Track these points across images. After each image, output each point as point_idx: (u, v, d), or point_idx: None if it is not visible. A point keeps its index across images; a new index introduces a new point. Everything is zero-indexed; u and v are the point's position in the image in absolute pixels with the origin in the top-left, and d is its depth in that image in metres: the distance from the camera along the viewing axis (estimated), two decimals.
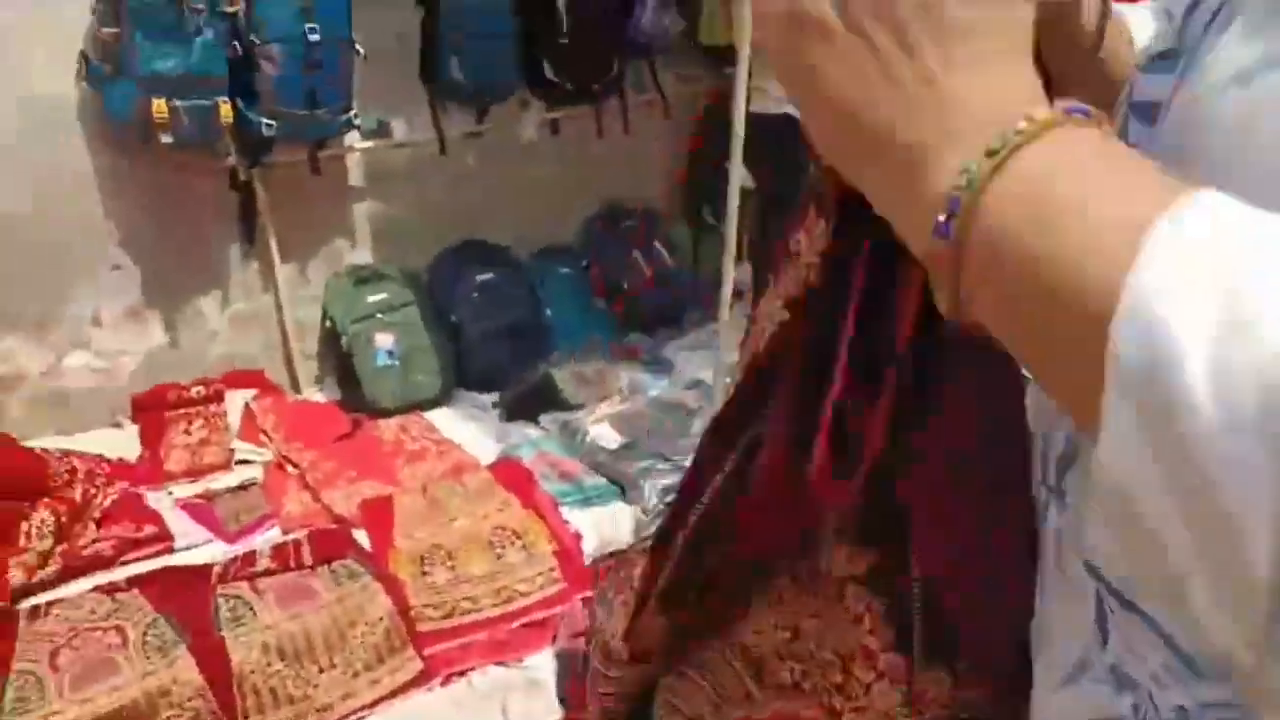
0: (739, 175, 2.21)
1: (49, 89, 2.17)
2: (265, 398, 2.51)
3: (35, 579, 1.77)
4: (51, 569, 1.80)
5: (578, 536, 1.98)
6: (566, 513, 2.04)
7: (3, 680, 1.50)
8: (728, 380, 2.61)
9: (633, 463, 2.17)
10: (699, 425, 2.30)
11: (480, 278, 2.81)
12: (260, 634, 1.63)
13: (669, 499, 2.10)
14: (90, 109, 2.22)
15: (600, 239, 3.19)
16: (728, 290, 2.28)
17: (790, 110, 2.77)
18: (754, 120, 2.01)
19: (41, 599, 1.74)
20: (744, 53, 1.85)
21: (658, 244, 3.19)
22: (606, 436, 2.27)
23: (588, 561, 1.97)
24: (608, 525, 2.06)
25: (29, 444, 2.16)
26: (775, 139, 2.73)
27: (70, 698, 1.46)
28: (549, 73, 2.72)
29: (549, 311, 2.97)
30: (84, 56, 2.16)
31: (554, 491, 2.10)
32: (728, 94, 3.31)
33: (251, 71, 2.19)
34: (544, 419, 2.50)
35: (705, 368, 2.74)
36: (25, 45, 2.13)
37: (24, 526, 1.84)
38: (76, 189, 2.28)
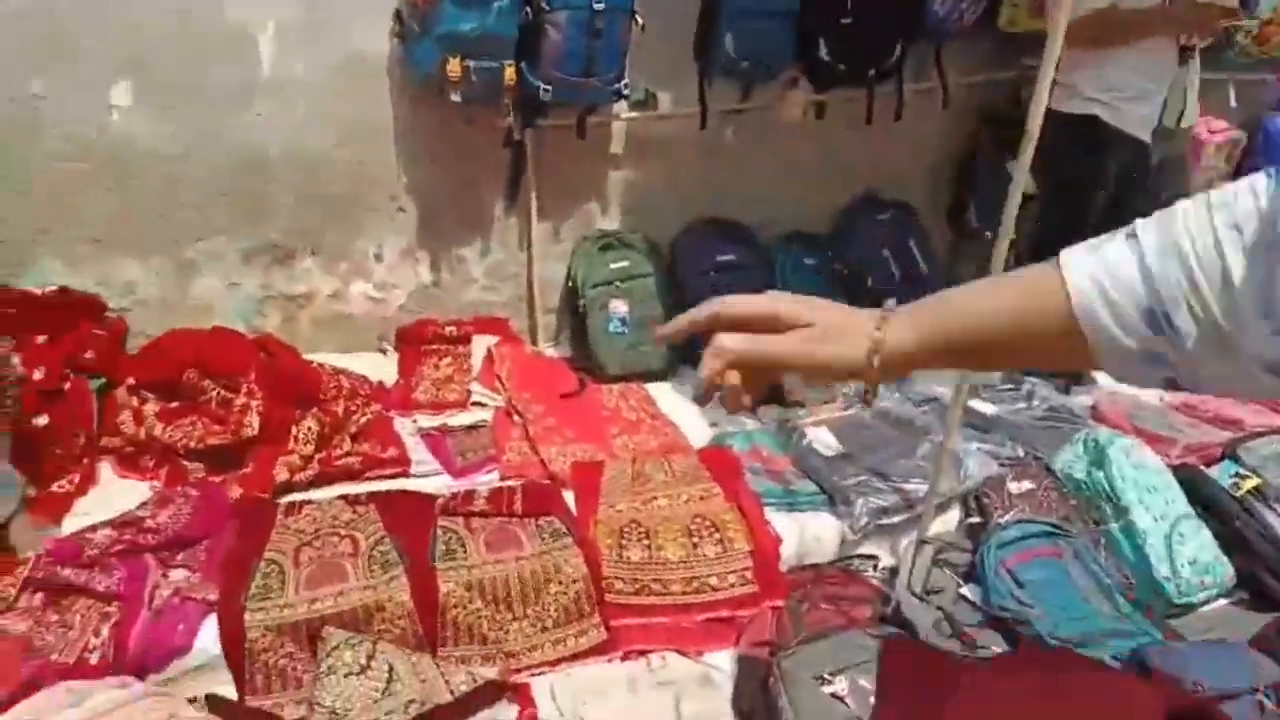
0: (1022, 179, 1.97)
1: (364, 45, 2.41)
2: (505, 346, 2.66)
3: (296, 479, 2.00)
4: (310, 472, 2.03)
5: (777, 541, 1.90)
6: (770, 514, 1.97)
7: (256, 562, 1.71)
8: (969, 403, 2.38)
9: (847, 475, 2.04)
10: (926, 449, 2.12)
11: (721, 257, 2.77)
12: (467, 572, 1.73)
13: (880, 522, 1.97)
14: (395, 65, 2.44)
15: (851, 231, 3.03)
16: None
17: (1098, 112, 2.43)
18: (1052, 119, 1.76)
19: (297, 498, 1.97)
20: (1055, 42, 1.61)
21: (912, 244, 2.97)
22: (824, 442, 2.16)
23: (784, 568, 1.89)
24: (810, 535, 1.97)
25: (310, 357, 2.46)
26: (1072, 142, 2.42)
27: (303, 594, 1.64)
28: (824, 53, 2.59)
29: None
30: (398, 16, 2.36)
31: (760, 489, 2.03)
32: (1019, 86, 3.00)
33: (537, 37, 2.28)
34: (762, 411, 2.43)
35: (942, 384, 2.52)
36: (349, 5, 2.36)
37: (294, 431, 2.10)
38: (376, 136, 2.52)
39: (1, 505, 1.72)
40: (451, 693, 1.53)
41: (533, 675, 1.70)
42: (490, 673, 1.65)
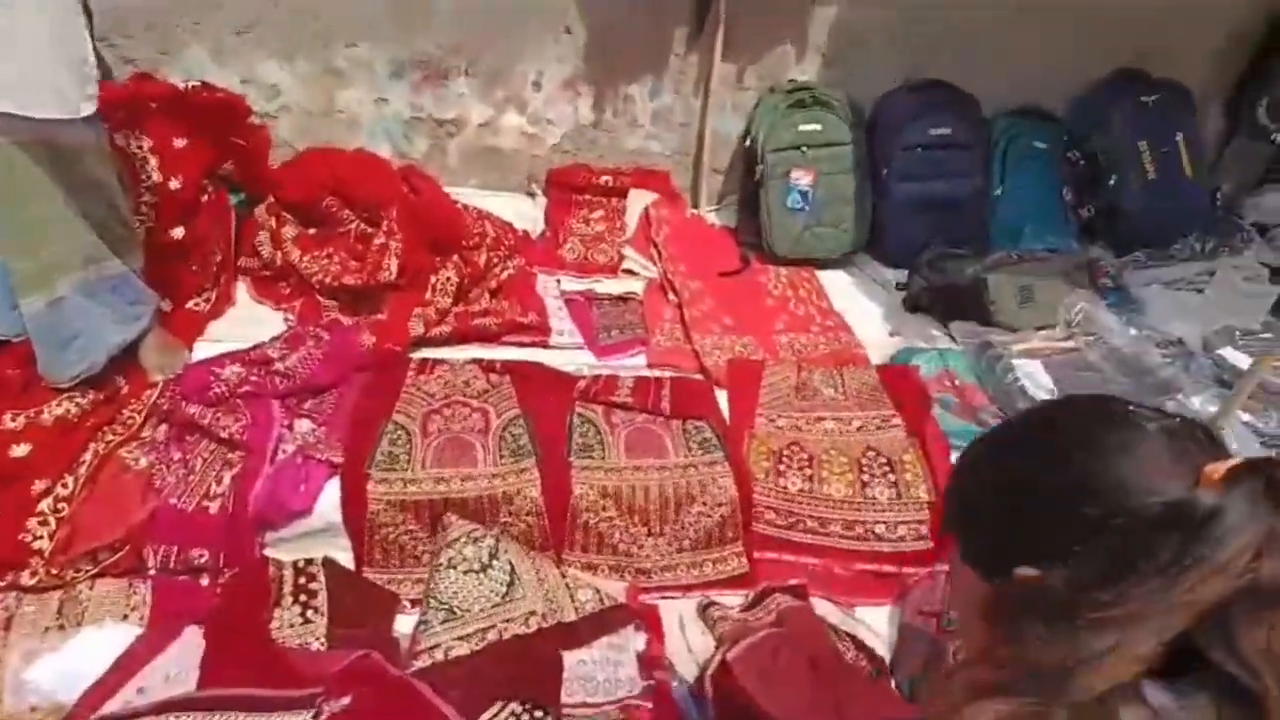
0: None
1: None
2: (664, 207, 2.36)
3: (430, 334, 1.84)
4: (445, 328, 1.86)
5: None
6: (957, 458, 1.66)
7: (384, 424, 1.58)
8: (1228, 351, 1.93)
9: None
10: (1168, 407, 1.72)
11: (933, 130, 2.31)
12: (603, 475, 1.54)
13: None
14: None
15: (1100, 112, 2.46)
16: None
17: None
18: None
19: (429, 355, 1.81)
20: None
21: (1179, 138, 2.38)
22: (1036, 378, 1.79)
23: None
24: None
25: (453, 191, 2.24)
26: None
27: (430, 472, 1.50)
28: None
29: (1000, 190, 2.41)
30: None
31: (949, 428, 1.72)
32: None
33: None
34: (958, 326, 2.06)
35: (1190, 323, 2.06)
36: None
37: (433, 280, 1.91)
38: None
39: (135, 321, 1.62)
40: (576, 610, 1.38)
41: (662, 598, 1.52)
42: (618, 590, 1.49)
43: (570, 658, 1.34)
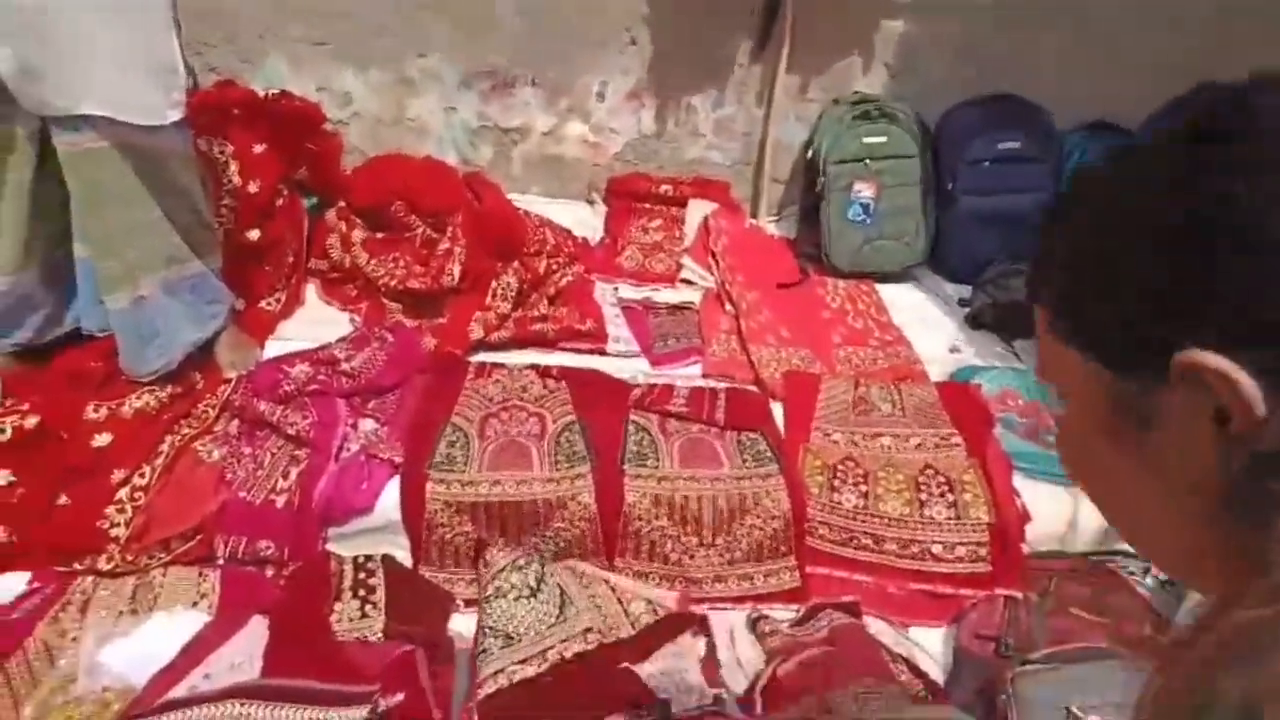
0: None
1: None
2: (722, 218, 2.36)
3: (490, 338, 1.87)
4: (504, 333, 1.89)
5: (1025, 517, 1.57)
6: (1019, 481, 1.63)
7: (443, 426, 1.61)
8: None
9: None
10: None
11: (1001, 144, 2.26)
12: (656, 484, 1.55)
13: None
14: None
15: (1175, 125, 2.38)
16: None
17: None
18: None
19: (487, 359, 1.84)
20: None
21: None
22: None
23: (1027, 551, 1.57)
24: (1064, 515, 1.61)
25: (515, 198, 2.28)
26: None
27: (485, 474, 1.52)
28: None
29: None
30: None
31: (1011, 449, 1.68)
32: None
33: None
34: (1022, 345, 2.01)
35: None
36: None
37: (493, 285, 1.95)
38: None
39: (212, 320, 1.69)
40: (633, 625, 1.39)
41: (712, 609, 1.52)
42: (669, 600, 1.49)
43: (640, 672, 1.33)
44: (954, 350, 2.06)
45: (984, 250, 2.25)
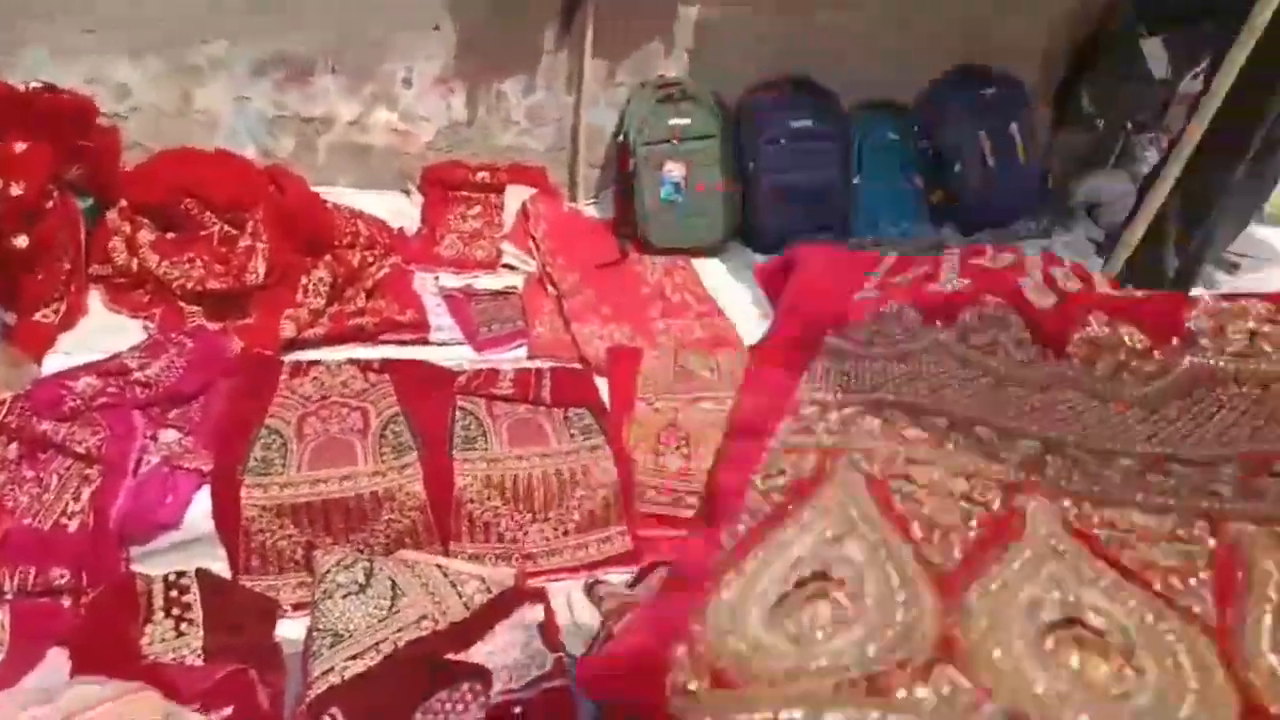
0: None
1: None
2: (541, 202, 2.38)
3: (303, 336, 1.80)
4: (319, 330, 1.83)
5: None
6: None
7: (256, 429, 1.54)
8: None
9: None
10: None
11: (795, 123, 2.42)
12: (486, 466, 1.56)
13: None
14: None
15: (943, 104, 2.64)
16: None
17: None
18: None
19: (304, 357, 1.77)
20: None
21: (1014, 128, 2.59)
22: None
23: None
24: None
25: (323, 190, 2.20)
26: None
27: (306, 474, 1.48)
28: None
29: (859, 179, 2.55)
30: None
31: None
32: None
33: None
34: None
35: None
36: None
37: (304, 281, 1.88)
38: None
39: None
40: (465, 605, 1.40)
41: (550, 581, 1.56)
42: (505, 576, 1.51)
43: (478, 652, 1.34)
44: (766, 313, 2.19)
45: (787, 223, 2.41)
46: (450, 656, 1.33)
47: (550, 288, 2.13)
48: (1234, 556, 0.82)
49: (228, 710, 1.21)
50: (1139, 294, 1.13)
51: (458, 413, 1.66)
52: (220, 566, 1.44)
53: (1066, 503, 0.92)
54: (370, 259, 2.03)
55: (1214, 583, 0.82)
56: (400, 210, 2.34)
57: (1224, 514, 0.87)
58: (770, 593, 0.84)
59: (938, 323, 1.12)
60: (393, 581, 1.43)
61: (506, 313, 2.03)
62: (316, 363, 1.76)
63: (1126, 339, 1.04)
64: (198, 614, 1.35)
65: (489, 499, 1.55)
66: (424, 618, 1.38)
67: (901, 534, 0.89)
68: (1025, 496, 0.94)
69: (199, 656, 1.29)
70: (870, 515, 0.90)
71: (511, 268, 2.22)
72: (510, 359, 1.89)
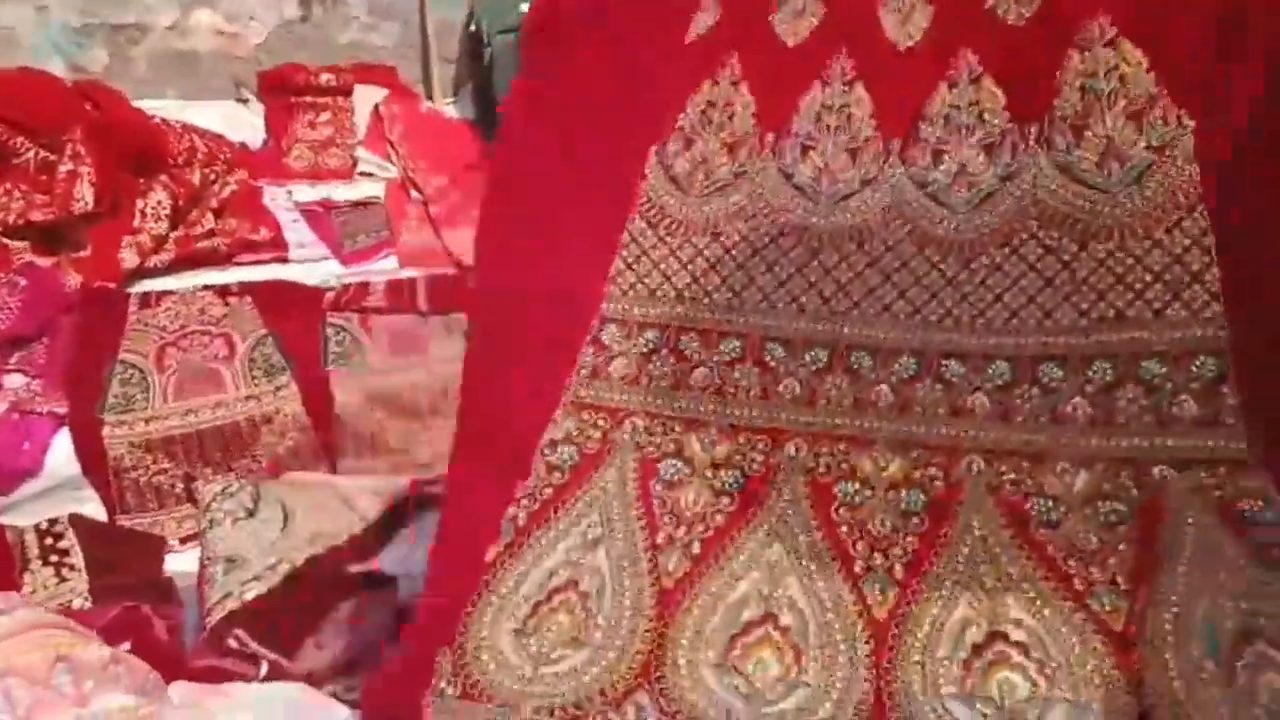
0: None
1: None
2: (395, 104, 2.27)
3: (149, 264, 1.70)
4: (165, 256, 1.73)
5: None
6: None
7: (110, 366, 1.47)
8: None
9: None
10: None
11: None
12: (366, 380, 1.54)
13: None
14: None
15: None
16: None
17: None
18: None
19: (153, 287, 1.68)
20: None
21: None
22: None
23: None
24: None
25: (150, 105, 2.02)
26: None
27: (173, 405, 1.42)
28: None
29: None
30: None
31: None
32: None
33: None
34: None
35: None
36: None
37: (140, 205, 1.75)
38: None
39: None
40: (361, 519, 1.40)
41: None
42: (399, 486, 1.52)
43: (380, 562, 1.36)
44: None
45: None
46: (352, 568, 1.35)
47: (414, 193, 2.06)
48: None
49: (124, 646, 1.20)
50: None
51: (329, 329, 1.62)
52: (95, 509, 1.39)
53: (806, 450, 0.93)
54: (212, 176, 1.90)
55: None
56: (239, 121, 2.19)
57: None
58: (523, 605, 0.87)
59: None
60: (282, 504, 1.41)
61: (370, 223, 1.97)
62: (169, 293, 1.67)
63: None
64: (78, 559, 1.31)
65: (372, 412, 1.53)
66: (319, 535, 1.38)
67: (649, 535, 0.90)
68: (784, 451, 0.95)
69: (86, 600, 1.26)
70: (628, 515, 0.92)
71: (370, 175, 2.13)
72: (380, 271, 1.85)
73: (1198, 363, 0.90)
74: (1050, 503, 0.87)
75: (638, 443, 0.96)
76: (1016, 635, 0.79)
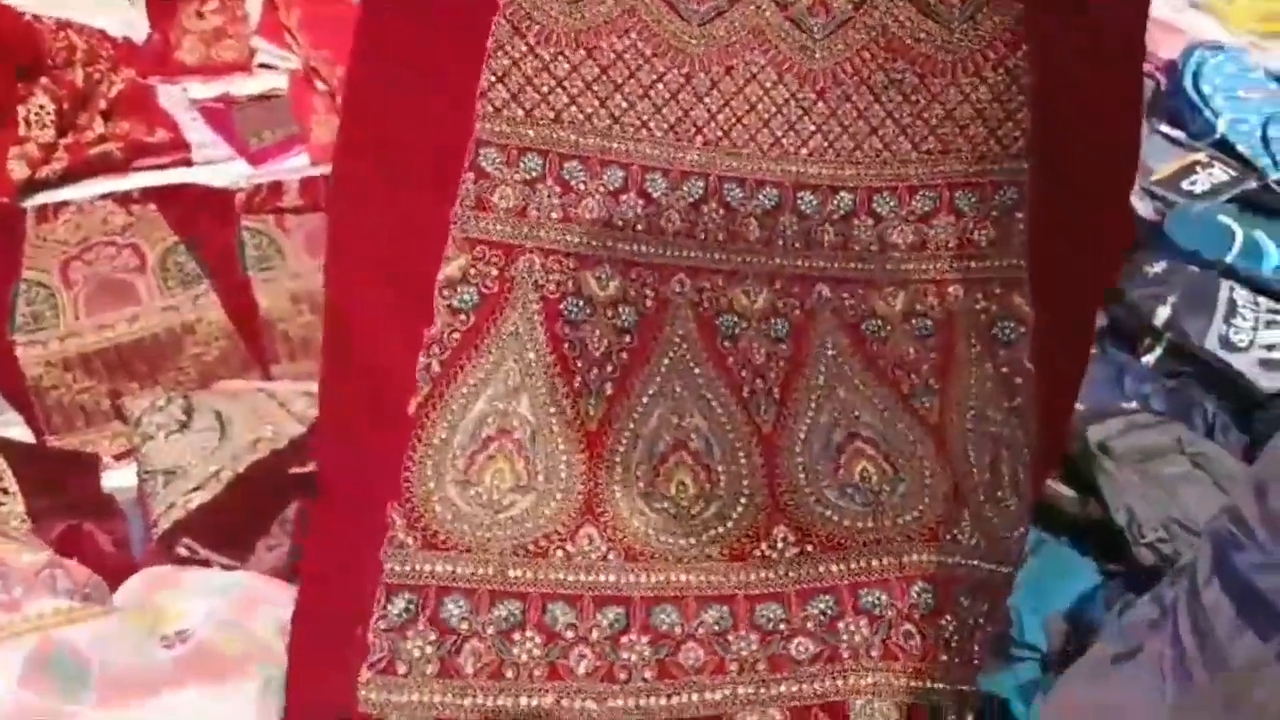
0: None
1: None
2: None
3: (40, 175, 1.59)
4: (57, 165, 1.62)
5: None
6: None
7: (12, 287, 1.40)
8: None
9: None
10: None
11: None
12: (289, 282, 1.51)
13: None
14: None
15: None
16: None
17: None
18: None
19: (49, 199, 1.58)
20: None
21: None
22: None
23: None
24: None
25: (14, 3, 1.84)
26: None
27: (87, 321, 1.38)
28: None
29: None
30: None
31: None
32: None
33: None
34: None
35: None
36: None
37: (21, 112, 1.63)
38: None
39: None
40: (301, 422, 1.40)
41: None
42: None
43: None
44: None
45: None
46: (296, 470, 1.35)
47: (320, 84, 1.95)
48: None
49: (72, 561, 1.20)
50: None
51: (245, 233, 1.57)
52: (21, 432, 1.36)
53: (705, 283, 1.01)
54: (96, 75, 1.77)
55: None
56: (117, 12, 2.01)
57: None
58: (460, 456, 0.91)
59: None
60: (217, 413, 1.40)
61: (275, 118, 1.86)
62: (66, 204, 1.58)
63: None
64: (10, 483, 1.29)
65: (300, 315, 1.51)
66: (259, 440, 1.37)
67: (565, 380, 0.95)
68: (670, 287, 1.01)
69: (25, 521, 1.25)
70: (543, 360, 0.95)
71: (270, 67, 2.00)
72: (292, 169, 1.77)
73: (1000, 193, 1.03)
74: (880, 322, 1.00)
75: (536, 281, 0.99)
76: (867, 434, 0.95)
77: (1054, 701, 0.73)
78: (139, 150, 1.69)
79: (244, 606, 0.96)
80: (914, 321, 1.00)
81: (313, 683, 0.85)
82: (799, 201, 1.02)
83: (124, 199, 1.59)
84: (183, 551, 1.22)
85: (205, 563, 1.19)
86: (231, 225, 1.57)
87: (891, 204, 1.03)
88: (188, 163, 1.72)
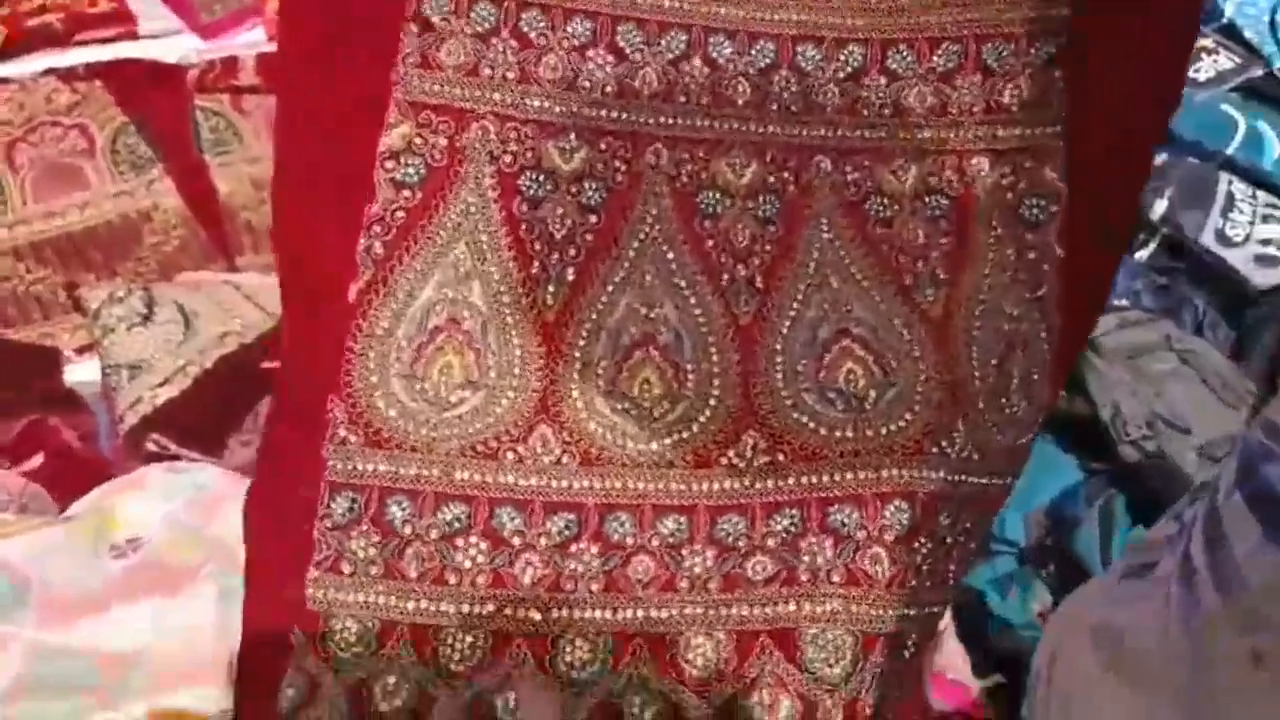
0: None
1: None
2: None
3: None
4: None
5: None
6: None
7: None
8: None
9: None
10: None
11: None
12: (248, 166, 1.42)
13: None
14: None
15: None
16: None
17: None
18: None
19: None
20: None
21: None
22: None
23: None
24: None
25: None
26: None
27: (35, 207, 1.30)
28: None
29: None
30: None
31: None
32: None
33: None
34: None
35: None
36: None
37: None
38: None
39: None
40: (269, 315, 1.35)
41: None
42: None
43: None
44: None
45: None
46: (266, 365, 1.31)
47: None
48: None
49: (37, 459, 1.17)
50: None
51: (199, 113, 1.47)
52: None
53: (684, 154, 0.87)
54: None
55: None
56: None
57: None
58: (406, 348, 0.85)
59: None
60: (180, 306, 1.34)
61: None
62: (7, 81, 1.47)
63: None
64: None
65: (264, 203, 1.43)
66: (227, 334, 1.33)
67: (522, 266, 0.86)
68: (644, 159, 0.88)
69: None
70: (497, 243, 0.87)
71: None
72: (247, 43, 1.65)
73: (1037, 46, 0.91)
74: (886, 201, 0.89)
75: (490, 153, 0.89)
76: (858, 330, 0.86)
77: (1061, 616, 0.70)
78: (81, 22, 1.57)
79: (205, 508, 0.92)
80: (927, 200, 0.88)
81: (269, 584, 0.82)
82: (798, 56, 0.88)
83: (68, 75, 1.48)
84: (152, 447, 1.20)
85: (175, 458, 1.17)
86: (185, 105, 1.47)
87: (909, 59, 0.89)
88: (133, 35, 1.60)
